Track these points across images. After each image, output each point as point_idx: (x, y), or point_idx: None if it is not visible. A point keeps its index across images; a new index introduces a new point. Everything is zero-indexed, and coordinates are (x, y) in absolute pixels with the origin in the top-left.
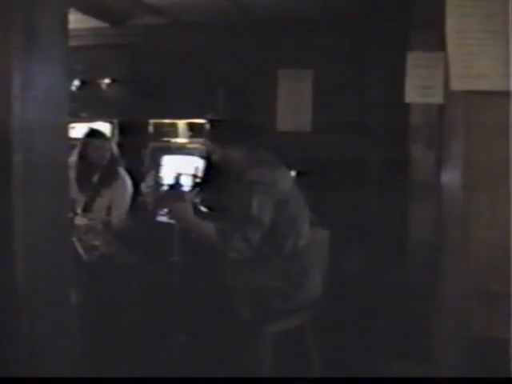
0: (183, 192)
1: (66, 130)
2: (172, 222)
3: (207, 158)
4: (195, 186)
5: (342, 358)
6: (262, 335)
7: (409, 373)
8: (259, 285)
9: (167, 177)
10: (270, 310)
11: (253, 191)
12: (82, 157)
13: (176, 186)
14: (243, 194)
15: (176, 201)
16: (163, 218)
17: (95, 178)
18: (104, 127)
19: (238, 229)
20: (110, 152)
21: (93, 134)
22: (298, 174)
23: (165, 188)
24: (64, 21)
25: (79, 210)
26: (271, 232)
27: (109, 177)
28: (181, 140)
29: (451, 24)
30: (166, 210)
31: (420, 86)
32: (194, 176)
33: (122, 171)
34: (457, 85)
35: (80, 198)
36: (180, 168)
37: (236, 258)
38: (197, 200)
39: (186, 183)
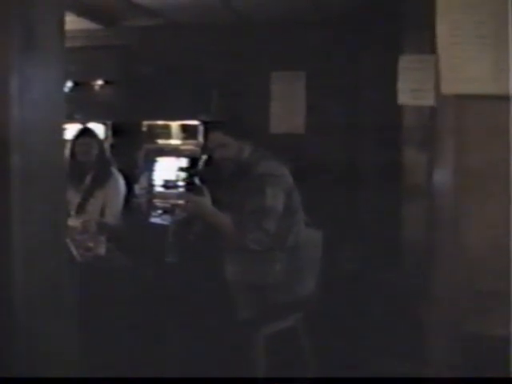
0: (202, 186)
1: (63, 132)
2: (165, 223)
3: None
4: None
5: (336, 358)
6: (256, 337)
7: (406, 373)
8: (260, 279)
9: (161, 178)
10: (269, 307)
11: (266, 182)
12: (73, 156)
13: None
14: (256, 186)
15: (195, 194)
16: (157, 220)
17: (88, 179)
18: (97, 128)
19: (254, 220)
20: (102, 151)
21: (83, 133)
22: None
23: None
24: (61, 23)
25: (72, 211)
26: (278, 223)
27: (101, 177)
28: (174, 141)
29: (441, 29)
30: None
31: (412, 89)
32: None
33: (115, 171)
34: (447, 88)
35: (73, 199)
36: (173, 169)
37: (255, 249)
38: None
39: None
